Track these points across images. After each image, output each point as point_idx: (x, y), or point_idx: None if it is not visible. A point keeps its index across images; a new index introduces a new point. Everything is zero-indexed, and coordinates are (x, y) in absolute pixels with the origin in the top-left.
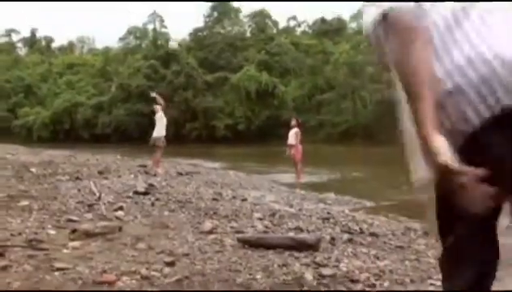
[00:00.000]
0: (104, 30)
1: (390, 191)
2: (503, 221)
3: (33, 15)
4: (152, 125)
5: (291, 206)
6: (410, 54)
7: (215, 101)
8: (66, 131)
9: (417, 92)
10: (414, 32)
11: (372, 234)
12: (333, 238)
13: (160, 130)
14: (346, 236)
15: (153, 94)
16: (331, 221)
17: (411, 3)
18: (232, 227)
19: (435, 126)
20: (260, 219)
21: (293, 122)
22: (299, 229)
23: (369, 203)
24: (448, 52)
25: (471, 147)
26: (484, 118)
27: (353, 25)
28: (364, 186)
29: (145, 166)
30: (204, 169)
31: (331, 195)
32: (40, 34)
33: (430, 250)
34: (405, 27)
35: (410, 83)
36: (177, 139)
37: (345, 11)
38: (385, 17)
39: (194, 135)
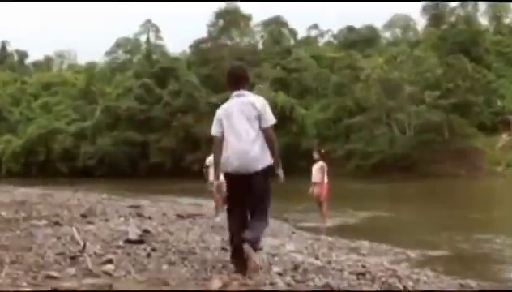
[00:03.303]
0: (88, 42)
1: (438, 237)
2: None
3: (3, 25)
4: (146, 155)
5: (317, 257)
6: (216, 152)
7: None
8: (40, 164)
9: (216, 164)
10: (219, 146)
11: None
12: None
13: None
14: None
15: None
16: (368, 276)
17: (220, 135)
18: (245, 285)
19: (219, 174)
20: (280, 274)
21: (316, 155)
22: (328, 287)
23: (412, 254)
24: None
25: (226, 177)
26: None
27: (387, 34)
28: (404, 232)
29: (137, 207)
30: (209, 211)
31: (365, 243)
32: (11, 47)
33: None
34: (217, 144)
35: (215, 162)
36: (176, 173)
37: (377, 18)
38: (214, 137)
39: (196, 168)
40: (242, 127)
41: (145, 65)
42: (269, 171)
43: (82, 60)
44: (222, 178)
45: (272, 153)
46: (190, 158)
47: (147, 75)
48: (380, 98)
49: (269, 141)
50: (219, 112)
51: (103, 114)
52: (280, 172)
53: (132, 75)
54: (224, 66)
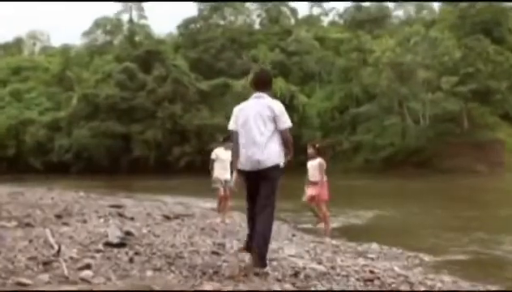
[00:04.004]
0: (63, 22)
1: (453, 239)
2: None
3: None
4: (128, 149)
5: (319, 262)
6: (235, 144)
7: (212, 117)
8: (10, 159)
9: (234, 157)
10: (236, 141)
11: None
12: None
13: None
14: None
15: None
16: (376, 283)
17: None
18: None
19: (236, 167)
20: (278, 280)
21: (310, 150)
22: None
23: (426, 258)
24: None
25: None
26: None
27: (399, 13)
28: (417, 234)
29: (119, 206)
30: (199, 211)
31: (374, 246)
32: None
33: None
34: (234, 138)
35: (233, 154)
36: (162, 169)
37: None
38: (232, 132)
39: (184, 162)
40: (257, 128)
41: (127, 47)
42: (278, 169)
43: (56, 42)
44: (235, 174)
45: (288, 154)
46: (178, 152)
47: (129, 59)
48: (391, 84)
49: (285, 143)
50: (237, 110)
51: (80, 103)
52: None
53: (112, 59)
54: (216, 48)
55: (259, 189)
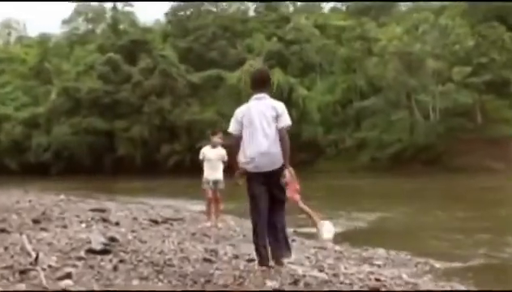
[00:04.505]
0: (41, 10)
1: (465, 242)
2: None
3: None
4: (112, 147)
5: (321, 269)
6: (234, 147)
7: (203, 112)
8: None
9: (233, 159)
10: (237, 144)
11: None
12: None
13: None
14: None
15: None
16: (383, 291)
17: (238, 133)
18: None
19: (237, 168)
20: (276, 290)
21: None
22: None
23: (437, 264)
24: (244, 149)
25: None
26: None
27: None
28: (426, 237)
29: (102, 210)
30: (189, 215)
31: (381, 252)
32: None
33: None
34: (234, 140)
35: (231, 156)
36: (149, 169)
37: None
38: (232, 135)
39: (174, 161)
40: (264, 129)
41: (111, 37)
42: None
43: (33, 31)
44: (237, 173)
45: (283, 153)
46: (166, 150)
47: (113, 49)
48: (398, 76)
49: (282, 141)
50: (239, 112)
51: (59, 97)
52: (286, 172)
53: (95, 49)
54: (207, 37)
55: (271, 189)
